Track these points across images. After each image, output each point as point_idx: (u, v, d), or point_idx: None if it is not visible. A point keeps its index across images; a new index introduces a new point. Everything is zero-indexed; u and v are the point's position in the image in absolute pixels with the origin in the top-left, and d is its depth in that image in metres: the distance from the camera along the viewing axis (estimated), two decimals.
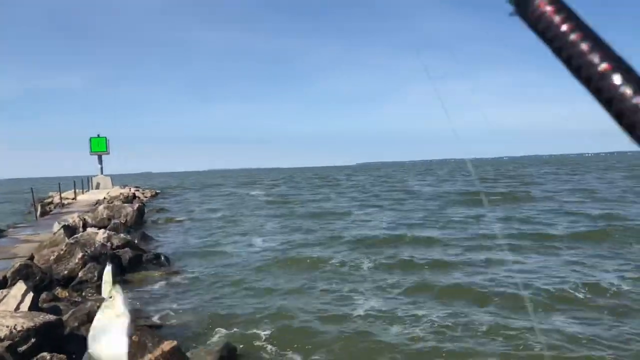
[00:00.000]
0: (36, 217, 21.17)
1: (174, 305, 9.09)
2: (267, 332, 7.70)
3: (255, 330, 7.78)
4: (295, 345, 7.10)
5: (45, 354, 5.45)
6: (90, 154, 38.81)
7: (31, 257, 10.44)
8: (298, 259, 13.25)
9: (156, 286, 10.44)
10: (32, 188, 23.01)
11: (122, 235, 13.29)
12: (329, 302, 9.14)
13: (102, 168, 39.77)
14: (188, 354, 6.12)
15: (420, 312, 8.26)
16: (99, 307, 7.43)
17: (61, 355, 5.55)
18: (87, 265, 10.00)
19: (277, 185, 62.21)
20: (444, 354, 6.65)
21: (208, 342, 7.22)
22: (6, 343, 4.91)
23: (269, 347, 7.10)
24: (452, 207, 24.94)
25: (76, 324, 6.84)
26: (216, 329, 7.85)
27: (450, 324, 7.68)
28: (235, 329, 7.85)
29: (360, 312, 8.43)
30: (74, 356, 5.92)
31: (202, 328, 7.94)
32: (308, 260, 12.92)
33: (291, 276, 11.20)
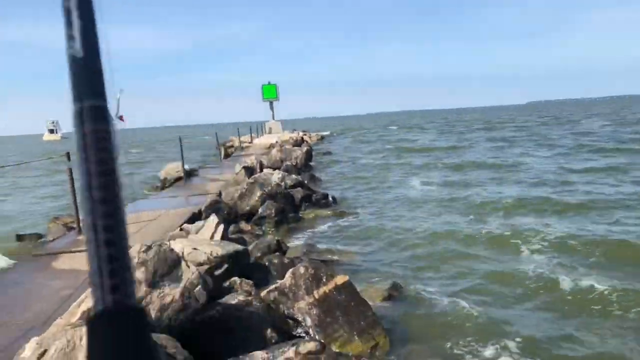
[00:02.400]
0: (220, 158, 23.65)
1: (342, 243, 9.55)
2: (433, 274, 7.72)
3: (420, 272, 7.86)
4: (459, 290, 7.02)
5: (236, 278, 6.15)
6: (263, 101, 41.68)
7: (219, 194, 11.75)
8: (463, 203, 12.91)
9: (326, 224, 11.05)
10: (216, 133, 25.65)
11: (293, 176, 14.21)
12: (497, 249, 8.80)
13: (273, 114, 42.59)
14: (358, 290, 6.43)
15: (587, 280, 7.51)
16: (277, 241, 8.17)
17: (249, 280, 6.22)
18: (265, 203, 10.94)
19: (438, 130, 60.55)
20: None
21: (374, 280, 7.48)
22: (205, 267, 5.64)
23: (436, 289, 7.11)
24: None
25: (259, 254, 7.59)
26: (382, 268, 8.10)
27: None
28: (400, 269, 8.01)
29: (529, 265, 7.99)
30: (258, 282, 6.61)
31: (368, 266, 8.25)
32: (472, 205, 12.52)
33: (454, 221, 10.97)
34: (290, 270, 5.98)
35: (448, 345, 5.53)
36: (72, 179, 8.55)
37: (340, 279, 5.96)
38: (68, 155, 8.45)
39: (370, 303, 6.02)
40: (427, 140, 39.60)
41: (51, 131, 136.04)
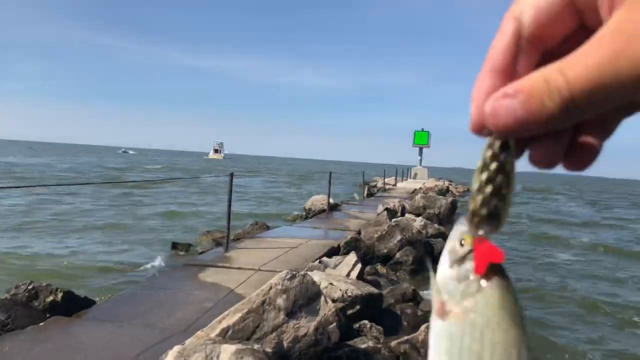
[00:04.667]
0: (363, 197, 23.84)
1: None
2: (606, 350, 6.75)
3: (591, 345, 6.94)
4: None
5: (366, 321, 5.94)
6: (413, 146, 41.54)
7: (359, 232, 11.72)
8: (611, 275, 11.28)
9: None
10: (363, 172, 26.04)
11: (436, 225, 13.69)
12: None
13: (421, 160, 42.19)
14: None
15: None
16: (414, 290, 7.78)
17: (379, 327, 5.97)
18: (404, 249, 10.61)
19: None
20: None
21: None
22: (339, 305, 5.52)
23: None
24: None
25: (392, 301, 7.29)
26: (539, 338, 7.30)
27: None
28: (561, 343, 7.16)
29: None
30: (387, 330, 6.31)
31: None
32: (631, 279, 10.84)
33: (613, 288, 9.57)
34: (426, 324, 5.61)
35: None
36: (230, 196, 9.12)
37: None
38: (231, 175, 9.06)
39: None
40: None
41: (216, 151, 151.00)
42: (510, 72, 0.37)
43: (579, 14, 0.34)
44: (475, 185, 0.39)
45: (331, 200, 16.03)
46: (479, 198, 0.39)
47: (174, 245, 11.79)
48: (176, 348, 3.14)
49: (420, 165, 42.56)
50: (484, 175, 0.39)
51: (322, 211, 15.91)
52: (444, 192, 30.68)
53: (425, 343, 5.60)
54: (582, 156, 0.38)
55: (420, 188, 29.30)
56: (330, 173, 16.02)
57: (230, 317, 3.69)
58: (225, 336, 3.60)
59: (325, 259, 7.94)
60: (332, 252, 9.22)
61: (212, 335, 3.60)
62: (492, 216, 0.39)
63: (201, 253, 9.93)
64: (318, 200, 17.09)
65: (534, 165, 0.39)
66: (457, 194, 35.55)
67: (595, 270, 12.74)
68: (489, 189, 0.38)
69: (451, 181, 46.76)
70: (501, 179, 0.38)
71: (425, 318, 6.73)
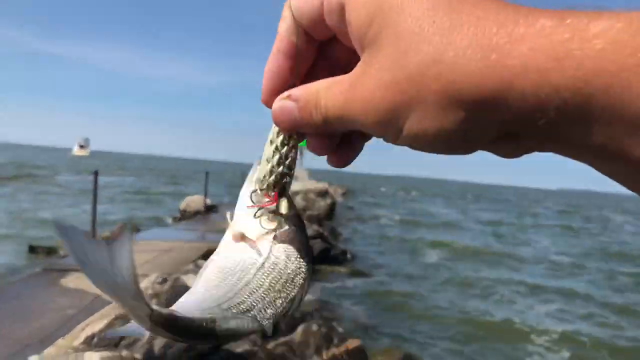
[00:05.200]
0: None
1: (357, 304, 9.21)
2: (449, 347, 7.35)
3: (434, 343, 7.49)
4: None
5: None
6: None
7: None
8: (471, 278, 12.56)
9: (341, 282, 10.74)
10: (243, 172, 25.75)
11: (314, 226, 14.01)
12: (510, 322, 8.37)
13: (302, 161, 42.89)
14: (368, 355, 6.09)
15: None
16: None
17: None
18: None
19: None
20: None
21: (386, 346, 7.14)
22: None
23: None
24: None
25: None
26: (395, 334, 7.75)
27: None
28: (412, 337, 7.66)
29: None
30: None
31: (381, 331, 7.90)
32: (481, 280, 12.09)
33: (465, 293, 10.59)
34: (302, 325, 5.71)
35: None
36: (95, 197, 8.52)
37: (352, 343, 5.66)
38: (96, 173, 8.47)
39: None
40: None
41: (81, 146, 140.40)
42: (293, 53, 0.45)
43: (331, 31, 0.42)
44: (267, 167, 0.50)
45: (208, 201, 15.69)
46: (272, 179, 0.50)
47: (32, 249, 10.71)
48: (32, 358, 2.86)
49: (302, 167, 43.23)
50: (276, 158, 0.49)
51: (199, 212, 15.50)
52: (323, 193, 31.48)
53: (302, 344, 5.69)
54: (346, 154, 0.48)
55: (301, 190, 29.78)
56: (207, 173, 15.64)
57: (96, 324, 3.44)
58: (91, 344, 3.35)
59: (201, 261, 7.74)
60: (209, 254, 8.94)
61: (76, 343, 3.33)
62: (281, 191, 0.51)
63: (64, 257, 9.14)
64: (194, 201, 16.61)
65: (310, 151, 0.48)
66: (335, 195, 36.74)
67: (455, 273, 13.93)
68: (280, 169, 0.50)
69: (331, 183, 48.17)
70: (290, 161, 0.49)
71: (303, 319, 6.85)
